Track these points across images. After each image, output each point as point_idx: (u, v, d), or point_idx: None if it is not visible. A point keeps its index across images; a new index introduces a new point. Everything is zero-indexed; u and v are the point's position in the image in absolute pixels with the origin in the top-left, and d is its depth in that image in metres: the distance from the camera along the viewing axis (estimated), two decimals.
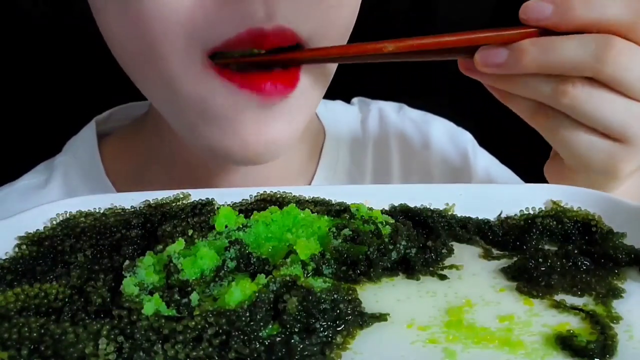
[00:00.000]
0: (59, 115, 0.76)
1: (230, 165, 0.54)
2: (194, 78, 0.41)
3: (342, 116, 0.70)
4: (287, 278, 0.32)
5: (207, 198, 0.41)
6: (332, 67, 0.47)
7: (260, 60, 0.41)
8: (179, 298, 0.31)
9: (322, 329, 0.30)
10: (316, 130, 0.66)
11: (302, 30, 0.41)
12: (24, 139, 0.81)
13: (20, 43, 0.80)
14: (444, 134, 0.71)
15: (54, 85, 0.82)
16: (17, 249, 0.36)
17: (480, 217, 0.41)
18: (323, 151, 0.64)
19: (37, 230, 0.38)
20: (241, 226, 0.37)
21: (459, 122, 0.74)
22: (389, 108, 0.72)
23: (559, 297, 0.33)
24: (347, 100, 0.74)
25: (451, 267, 0.36)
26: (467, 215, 0.42)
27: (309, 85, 0.45)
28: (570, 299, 0.33)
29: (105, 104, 0.65)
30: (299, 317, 0.30)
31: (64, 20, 0.78)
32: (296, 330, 0.30)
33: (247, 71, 0.42)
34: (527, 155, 0.94)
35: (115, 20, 0.42)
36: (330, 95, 0.63)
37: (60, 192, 0.58)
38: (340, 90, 0.67)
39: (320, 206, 0.40)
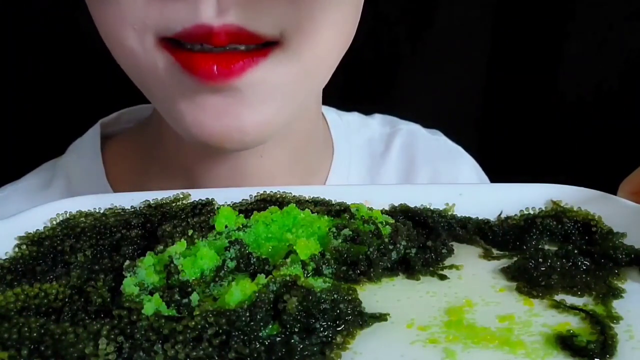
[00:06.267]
0: (69, 116, 0.76)
1: (225, 171, 0.53)
2: (149, 54, 0.42)
3: (360, 130, 0.67)
4: (287, 278, 0.32)
5: (207, 198, 0.41)
6: (313, 63, 0.44)
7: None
8: (179, 298, 0.31)
9: (322, 329, 0.30)
10: (323, 141, 0.63)
11: (264, 29, 0.40)
12: (34, 140, 0.81)
13: (31, 45, 0.81)
14: (473, 175, 0.69)
15: (65, 87, 0.82)
16: (17, 249, 0.36)
17: (480, 217, 0.41)
18: (333, 164, 0.62)
19: (37, 230, 0.38)
20: (241, 226, 0.37)
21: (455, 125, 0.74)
22: (423, 131, 0.70)
23: (559, 297, 0.33)
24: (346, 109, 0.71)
25: (451, 267, 0.36)
26: (467, 215, 0.42)
27: (283, 76, 0.43)
28: (570, 299, 0.33)
29: (117, 106, 0.65)
30: (299, 317, 0.30)
31: (73, 21, 0.78)
32: (296, 330, 0.30)
33: (201, 51, 0.41)
34: (527, 156, 0.94)
35: (93, 7, 0.44)
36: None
37: (62, 193, 0.58)
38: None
39: (320, 206, 0.40)
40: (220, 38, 0.39)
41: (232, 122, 0.43)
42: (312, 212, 0.38)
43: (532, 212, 0.41)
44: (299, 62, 0.43)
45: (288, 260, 0.34)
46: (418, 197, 0.42)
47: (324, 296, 0.31)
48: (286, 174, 0.55)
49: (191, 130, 0.43)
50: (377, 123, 0.70)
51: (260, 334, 0.29)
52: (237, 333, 0.29)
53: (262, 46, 0.42)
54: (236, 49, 0.41)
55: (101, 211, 0.40)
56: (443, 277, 0.35)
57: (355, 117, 0.69)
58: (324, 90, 0.56)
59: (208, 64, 0.40)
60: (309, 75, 0.45)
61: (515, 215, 0.41)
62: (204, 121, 0.43)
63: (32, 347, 0.28)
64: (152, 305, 0.30)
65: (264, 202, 0.41)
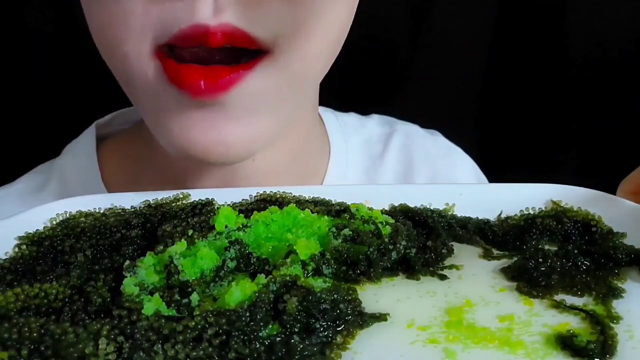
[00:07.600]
0: (65, 117, 0.76)
1: (219, 173, 0.53)
2: (142, 61, 0.41)
3: (357, 130, 0.66)
4: (287, 278, 0.32)
5: (207, 198, 0.41)
6: (303, 74, 0.44)
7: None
8: (179, 298, 0.31)
9: (322, 329, 0.30)
10: (320, 142, 0.62)
11: (259, 32, 0.40)
12: (29, 141, 0.81)
13: (27, 45, 0.80)
14: (472, 175, 0.69)
15: (61, 88, 0.82)
16: (17, 249, 0.36)
17: (480, 217, 0.41)
18: (330, 165, 0.61)
19: (37, 230, 0.38)
20: (241, 226, 0.37)
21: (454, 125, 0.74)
22: (421, 132, 0.69)
23: (559, 297, 0.33)
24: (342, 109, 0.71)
25: (451, 267, 0.36)
26: (467, 215, 0.42)
27: (270, 88, 0.42)
28: (570, 299, 0.33)
29: (113, 107, 0.65)
30: (299, 317, 0.30)
31: (70, 21, 0.78)
32: (296, 330, 0.30)
33: (192, 63, 0.40)
34: (527, 157, 0.94)
35: (90, 11, 0.43)
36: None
37: (57, 196, 0.57)
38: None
39: (320, 206, 0.40)
40: (216, 38, 0.39)
41: (217, 136, 0.42)
42: (312, 212, 0.38)
43: (532, 212, 0.41)
44: (287, 72, 0.42)
45: (288, 260, 0.34)
46: (418, 197, 0.42)
47: (324, 296, 0.31)
48: (282, 176, 0.55)
49: (176, 143, 0.43)
50: (375, 123, 0.69)
51: (260, 334, 0.29)
52: (237, 333, 0.29)
53: (252, 55, 0.41)
54: (222, 64, 0.40)
55: (101, 211, 0.40)
56: (443, 277, 0.35)
57: (352, 117, 0.69)
58: (321, 90, 0.56)
59: (195, 78, 0.40)
60: (296, 86, 0.44)
61: (515, 215, 0.41)
62: (190, 135, 0.42)
63: (32, 347, 0.28)
64: (152, 305, 0.30)
65: (264, 202, 0.41)
